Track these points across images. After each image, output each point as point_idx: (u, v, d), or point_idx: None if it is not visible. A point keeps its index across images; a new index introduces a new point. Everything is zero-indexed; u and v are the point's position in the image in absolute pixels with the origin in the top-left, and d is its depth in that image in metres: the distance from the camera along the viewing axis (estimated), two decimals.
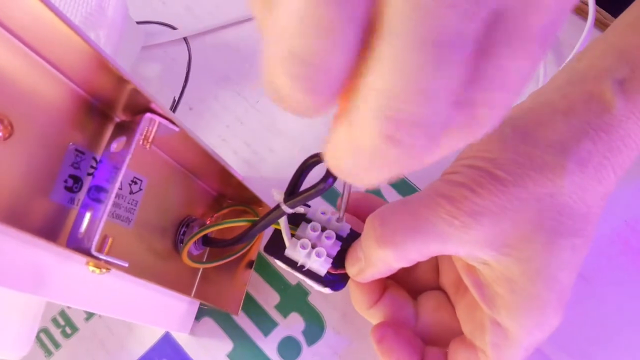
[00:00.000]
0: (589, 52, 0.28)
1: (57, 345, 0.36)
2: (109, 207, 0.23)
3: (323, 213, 0.29)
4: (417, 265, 0.31)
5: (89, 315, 0.37)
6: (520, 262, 0.23)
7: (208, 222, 0.34)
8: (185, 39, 0.45)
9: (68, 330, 0.36)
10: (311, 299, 0.35)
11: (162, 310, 0.32)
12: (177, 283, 0.33)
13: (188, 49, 0.45)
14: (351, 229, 0.29)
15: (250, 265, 0.36)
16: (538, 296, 0.23)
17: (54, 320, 0.37)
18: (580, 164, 0.24)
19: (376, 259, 0.25)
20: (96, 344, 0.36)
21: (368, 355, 0.33)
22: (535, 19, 0.12)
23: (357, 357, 0.33)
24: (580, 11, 0.41)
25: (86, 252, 0.23)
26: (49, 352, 0.36)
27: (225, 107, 0.42)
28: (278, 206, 0.26)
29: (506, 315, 0.24)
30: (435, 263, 0.31)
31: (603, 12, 0.41)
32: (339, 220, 0.29)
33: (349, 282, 0.29)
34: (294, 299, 0.35)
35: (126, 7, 0.35)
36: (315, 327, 0.34)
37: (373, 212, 0.26)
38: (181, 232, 0.32)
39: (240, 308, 0.35)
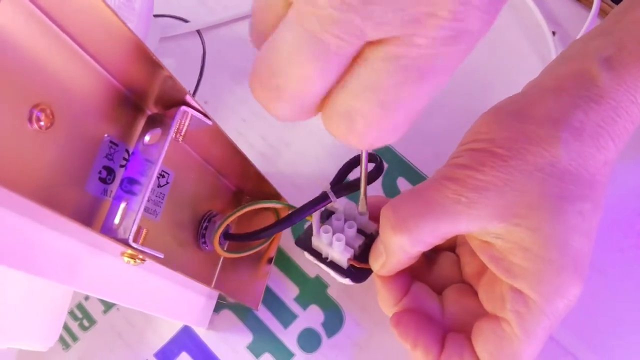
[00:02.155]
0: (581, 39, 0.30)
1: (75, 338, 0.36)
2: (146, 198, 0.23)
3: (352, 211, 0.30)
4: (440, 262, 0.32)
5: (107, 308, 0.37)
6: (531, 231, 0.24)
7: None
8: (198, 31, 0.45)
9: (86, 323, 0.36)
10: (330, 291, 0.35)
11: (181, 304, 0.32)
12: (199, 276, 0.33)
13: (202, 42, 0.45)
14: (377, 230, 0.30)
15: (269, 261, 0.36)
16: (552, 261, 0.24)
17: (72, 313, 0.37)
18: (575, 134, 0.25)
19: (394, 247, 0.26)
20: (114, 337, 0.36)
21: (388, 346, 0.33)
22: None
23: (377, 348, 0.33)
24: (586, 0, 0.42)
25: (124, 242, 0.23)
26: (66, 345, 0.36)
27: (241, 100, 0.42)
28: (324, 193, 0.28)
29: (524, 282, 0.24)
30: (456, 259, 0.31)
31: (608, 1, 0.41)
32: (361, 213, 0.30)
33: (376, 282, 0.30)
34: (313, 292, 0.35)
35: (152, 0, 0.35)
36: (334, 318, 0.34)
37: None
38: (203, 227, 0.33)
39: (260, 303, 0.35)
